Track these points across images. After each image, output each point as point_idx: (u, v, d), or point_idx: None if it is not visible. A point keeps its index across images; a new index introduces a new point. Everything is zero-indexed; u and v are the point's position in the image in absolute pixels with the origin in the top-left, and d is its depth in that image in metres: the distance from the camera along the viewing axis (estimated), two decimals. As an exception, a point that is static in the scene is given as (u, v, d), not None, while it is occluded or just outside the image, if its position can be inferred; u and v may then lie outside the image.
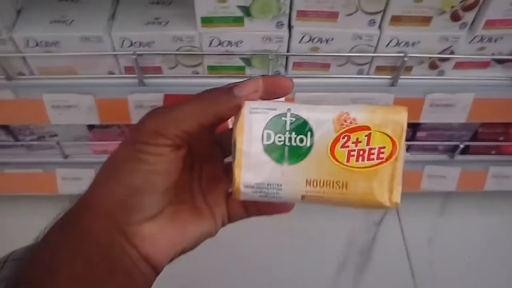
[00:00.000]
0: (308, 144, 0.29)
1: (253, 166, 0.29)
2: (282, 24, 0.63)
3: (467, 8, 0.61)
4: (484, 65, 0.71)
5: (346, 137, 0.29)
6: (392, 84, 0.71)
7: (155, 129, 0.29)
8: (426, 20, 0.62)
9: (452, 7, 0.60)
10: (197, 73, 0.69)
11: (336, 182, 0.29)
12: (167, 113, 0.29)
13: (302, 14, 0.62)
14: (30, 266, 0.28)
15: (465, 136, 0.88)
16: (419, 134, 0.89)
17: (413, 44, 0.66)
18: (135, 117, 0.71)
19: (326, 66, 0.69)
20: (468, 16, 0.62)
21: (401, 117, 0.29)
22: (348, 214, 1.02)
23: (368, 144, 0.29)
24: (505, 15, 0.62)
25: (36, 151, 0.90)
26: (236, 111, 0.30)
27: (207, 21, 0.61)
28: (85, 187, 0.30)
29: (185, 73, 0.69)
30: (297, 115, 0.29)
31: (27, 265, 0.29)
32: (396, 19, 0.62)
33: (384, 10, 0.62)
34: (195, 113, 0.29)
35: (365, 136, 0.28)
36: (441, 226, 1.02)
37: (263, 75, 0.31)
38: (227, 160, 0.36)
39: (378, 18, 0.62)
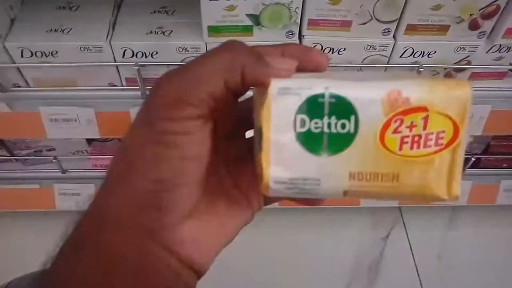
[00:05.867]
0: (352, 130, 0.24)
1: (285, 158, 0.24)
2: (292, 34, 0.60)
3: (487, 17, 0.58)
4: (500, 75, 0.68)
5: (398, 121, 0.24)
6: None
7: (176, 96, 0.23)
8: (443, 29, 0.60)
9: (471, 15, 0.58)
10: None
11: (386, 174, 0.24)
12: (185, 72, 0.23)
13: (314, 23, 0.59)
14: None
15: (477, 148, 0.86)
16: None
17: (428, 54, 0.63)
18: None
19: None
20: (487, 25, 0.59)
21: (465, 93, 0.24)
22: (354, 229, 1.00)
23: (425, 128, 0.24)
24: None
25: (33, 165, 0.87)
26: (261, 83, 0.24)
27: (215, 30, 0.58)
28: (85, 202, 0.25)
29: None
30: (337, 94, 0.23)
31: None
32: (411, 28, 0.60)
33: (399, 19, 0.59)
34: (218, 68, 0.23)
35: (422, 118, 0.24)
36: (450, 241, 0.99)
37: (296, 45, 0.26)
38: (248, 135, 0.30)
39: (393, 27, 0.60)
